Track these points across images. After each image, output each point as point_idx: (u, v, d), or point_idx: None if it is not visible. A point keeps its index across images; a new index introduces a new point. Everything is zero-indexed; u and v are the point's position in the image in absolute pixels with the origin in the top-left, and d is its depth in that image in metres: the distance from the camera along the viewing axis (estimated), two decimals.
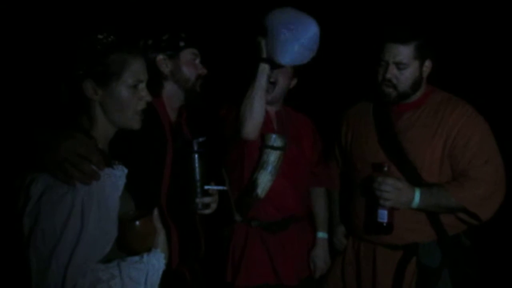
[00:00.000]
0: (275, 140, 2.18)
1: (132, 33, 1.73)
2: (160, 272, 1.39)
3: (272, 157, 2.17)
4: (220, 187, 1.89)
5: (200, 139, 1.81)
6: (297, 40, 2.05)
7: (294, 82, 2.36)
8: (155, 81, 1.79)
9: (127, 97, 1.43)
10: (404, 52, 2.01)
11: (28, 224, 1.25)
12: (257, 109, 2.12)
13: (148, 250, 1.39)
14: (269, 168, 2.17)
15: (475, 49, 2.83)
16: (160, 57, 1.89)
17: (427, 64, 2.09)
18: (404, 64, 2.01)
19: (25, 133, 1.35)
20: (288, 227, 2.27)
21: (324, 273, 2.35)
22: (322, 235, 2.36)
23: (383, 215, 2.02)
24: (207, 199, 1.83)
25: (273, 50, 2.09)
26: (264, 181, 2.18)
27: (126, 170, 1.41)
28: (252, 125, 2.13)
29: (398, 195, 1.98)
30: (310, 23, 2.08)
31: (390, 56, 2.01)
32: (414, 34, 2.04)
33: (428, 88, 2.15)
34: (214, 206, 1.88)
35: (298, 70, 2.32)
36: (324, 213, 2.40)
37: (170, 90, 1.92)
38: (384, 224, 2.02)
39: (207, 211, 1.86)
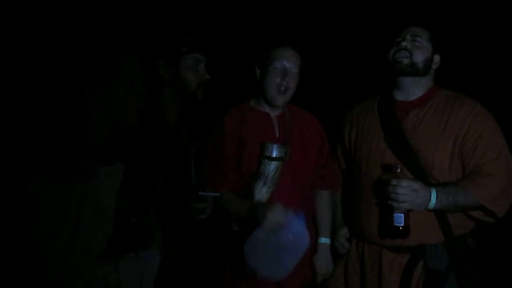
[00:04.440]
0: (273, 150, 2.05)
1: (135, 33, 1.77)
2: (156, 269, 1.41)
3: (270, 168, 2.05)
4: (214, 194, 1.88)
5: (197, 145, 1.83)
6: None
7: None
8: (155, 85, 1.83)
9: (124, 93, 1.46)
10: (422, 31, 2.11)
11: (24, 222, 1.29)
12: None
13: (144, 247, 1.40)
14: (266, 179, 2.07)
15: (479, 50, 2.80)
16: (160, 62, 1.93)
17: (437, 57, 2.12)
18: (420, 38, 2.08)
19: (22, 133, 1.41)
20: None
21: (326, 277, 2.26)
22: (324, 240, 2.24)
23: (399, 219, 1.95)
24: (201, 205, 1.83)
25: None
26: (261, 192, 2.07)
27: (123, 168, 1.43)
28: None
29: (415, 197, 1.91)
30: None
31: (409, 32, 2.11)
32: (432, 24, 2.16)
33: (433, 86, 2.14)
34: (208, 211, 1.87)
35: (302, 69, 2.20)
36: (328, 218, 2.28)
37: (169, 94, 1.96)
38: (401, 228, 1.95)
39: (201, 216, 1.86)
